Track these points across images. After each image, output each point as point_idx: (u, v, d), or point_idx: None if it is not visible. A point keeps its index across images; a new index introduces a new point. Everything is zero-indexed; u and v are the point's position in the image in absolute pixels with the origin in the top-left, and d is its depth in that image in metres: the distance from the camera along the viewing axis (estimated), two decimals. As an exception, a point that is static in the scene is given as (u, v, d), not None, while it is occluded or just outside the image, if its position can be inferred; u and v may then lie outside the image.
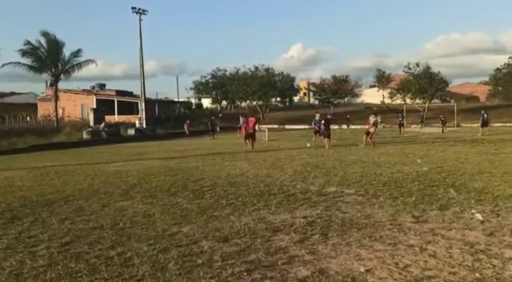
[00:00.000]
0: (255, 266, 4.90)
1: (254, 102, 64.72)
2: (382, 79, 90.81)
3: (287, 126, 52.25)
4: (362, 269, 4.73)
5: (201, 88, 78.20)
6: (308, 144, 22.39)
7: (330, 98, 66.10)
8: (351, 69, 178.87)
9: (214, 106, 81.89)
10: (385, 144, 21.83)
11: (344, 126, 42.15)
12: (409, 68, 55.72)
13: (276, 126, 51.25)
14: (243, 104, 75.93)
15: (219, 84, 74.63)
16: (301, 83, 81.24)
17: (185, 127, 39.73)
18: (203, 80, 77.81)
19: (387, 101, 68.09)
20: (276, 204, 8.07)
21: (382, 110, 53.02)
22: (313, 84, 75.06)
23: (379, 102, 76.95)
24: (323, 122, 21.57)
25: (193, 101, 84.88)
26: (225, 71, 74.73)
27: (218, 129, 38.02)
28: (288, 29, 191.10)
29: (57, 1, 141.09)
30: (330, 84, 67.18)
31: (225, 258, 5.17)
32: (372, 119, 21.42)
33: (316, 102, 78.74)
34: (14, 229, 6.80)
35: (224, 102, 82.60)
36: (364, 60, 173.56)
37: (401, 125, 35.80)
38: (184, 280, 4.56)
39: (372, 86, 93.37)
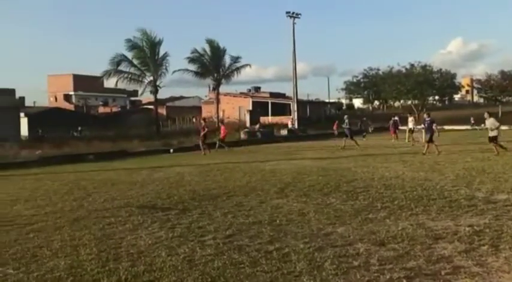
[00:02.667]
0: (415, 273, 4.68)
1: (409, 102, 61.65)
2: None
3: (446, 127, 48.49)
4: (543, 289, 4.19)
5: (352, 88, 77.17)
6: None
7: (498, 96, 59.54)
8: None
9: (365, 106, 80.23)
10: None
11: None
12: None
13: (433, 126, 47.99)
14: (397, 104, 72.88)
15: (371, 84, 72.76)
16: (463, 79, 74.98)
17: (334, 127, 39.56)
18: (354, 80, 76.73)
19: None
20: (437, 210, 7.59)
21: None
22: (478, 81, 68.40)
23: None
24: (430, 123, 18.69)
25: (344, 101, 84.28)
26: (378, 70, 72.65)
27: (370, 129, 37.11)
28: (446, 23, 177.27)
29: (214, 9, 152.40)
30: (498, 80, 60.46)
31: (383, 263, 5.05)
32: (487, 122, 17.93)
33: (481, 100, 71.71)
34: (185, 219, 7.59)
35: (376, 102, 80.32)
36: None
37: None
38: (341, 281, 4.58)
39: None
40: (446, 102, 77.35)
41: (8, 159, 19.54)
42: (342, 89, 79.03)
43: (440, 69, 60.20)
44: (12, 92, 34.57)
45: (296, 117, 45.34)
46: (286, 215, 7.63)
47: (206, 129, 22.97)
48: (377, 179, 11.48)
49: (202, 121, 24.66)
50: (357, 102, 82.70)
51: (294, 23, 43.29)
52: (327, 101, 76.00)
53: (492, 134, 17.30)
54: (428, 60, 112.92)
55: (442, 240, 5.84)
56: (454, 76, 62.14)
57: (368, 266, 4.95)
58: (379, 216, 7.31)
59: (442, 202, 8.24)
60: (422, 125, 20.05)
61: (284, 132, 39.42)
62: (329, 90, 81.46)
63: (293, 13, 43.15)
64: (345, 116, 25.90)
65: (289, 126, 43.36)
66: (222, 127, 26.72)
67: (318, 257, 5.29)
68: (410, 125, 26.64)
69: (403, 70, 60.08)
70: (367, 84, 74.89)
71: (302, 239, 6.12)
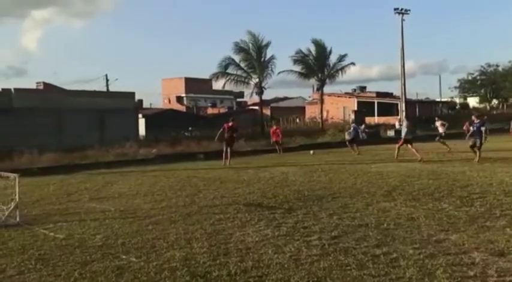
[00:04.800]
0: (541, 288, 4.29)
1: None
2: None
3: None
4: None
5: (467, 86, 72.00)
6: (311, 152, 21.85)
7: None
8: None
9: (482, 106, 74.25)
10: None
11: None
12: None
13: None
14: (519, 103, 66.63)
15: (489, 81, 67.29)
16: None
17: (464, 128, 34.61)
18: (469, 78, 71.48)
19: None
20: None
21: None
22: None
23: None
24: (478, 125, 16.73)
25: (457, 100, 78.89)
26: (497, 66, 66.91)
27: (487, 131, 34.15)
28: None
29: (319, 8, 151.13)
30: None
31: (501, 274, 4.71)
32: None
33: None
34: (290, 219, 7.72)
35: (495, 101, 74.02)
36: None
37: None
38: (455, 290, 4.36)
39: None
40: None
41: (129, 156, 21.36)
42: (455, 87, 74.26)
43: None
44: (132, 95, 37.58)
45: (404, 118, 43.44)
46: (394, 219, 7.41)
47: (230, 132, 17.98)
48: (495, 185, 10.64)
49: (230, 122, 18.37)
50: (472, 101, 76.95)
51: (402, 20, 41.56)
52: (438, 100, 71.69)
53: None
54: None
55: None
56: None
57: (485, 277, 4.64)
58: (498, 225, 6.80)
59: None
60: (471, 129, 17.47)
61: (391, 133, 37.92)
62: (440, 89, 76.37)
63: (401, 9, 41.38)
64: (352, 124, 25.86)
65: (397, 126, 41.63)
66: (275, 129, 25.17)
67: (429, 264, 5.08)
68: (441, 129, 23.91)
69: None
70: (484, 81, 69.39)
71: (411, 244, 5.92)
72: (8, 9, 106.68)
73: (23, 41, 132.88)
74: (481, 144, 16.51)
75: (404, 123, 19.63)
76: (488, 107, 70.65)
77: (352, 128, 24.26)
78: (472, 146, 16.57)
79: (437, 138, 23.71)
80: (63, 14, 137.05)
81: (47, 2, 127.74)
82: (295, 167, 16.32)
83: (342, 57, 44.41)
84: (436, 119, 27.00)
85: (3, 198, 8.40)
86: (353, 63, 45.99)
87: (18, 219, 8.08)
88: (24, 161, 18.61)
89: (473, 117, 17.90)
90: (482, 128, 16.70)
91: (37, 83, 46.08)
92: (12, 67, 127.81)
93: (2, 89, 31.00)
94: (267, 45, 41.15)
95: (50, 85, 44.00)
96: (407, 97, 47.12)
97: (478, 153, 16.23)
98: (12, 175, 8.56)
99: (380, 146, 27.86)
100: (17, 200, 8.21)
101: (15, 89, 30.44)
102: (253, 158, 21.47)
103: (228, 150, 18.02)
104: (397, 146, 18.44)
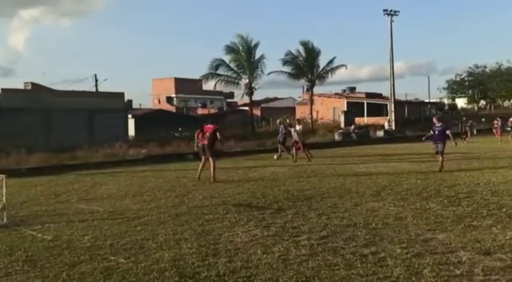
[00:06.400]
0: (526, 286, 4.36)
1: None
2: None
3: None
4: None
5: (455, 87, 72.76)
6: (275, 157, 19.86)
7: None
8: None
9: (470, 106, 75.15)
10: None
11: None
12: None
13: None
14: (506, 103, 67.43)
15: (477, 82, 68.07)
16: None
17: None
18: (458, 79, 72.23)
19: None
20: (552, 220, 6.95)
21: None
22: None
23: None
24: (440, 129, 14.16)
25: (446, 101, 79.70)
26: (485, 67, 67.75)
27: (475, 131, 34.57)
28: None
29: (310, 9, 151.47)
30: None
31: (487, 273, 4.77)
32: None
33: None
34: (280, 219, 7.74)
35: (482, 102, 74.92)
36: None
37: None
38: (441, 289, 4.40)
39: None
40: None
41: (118, 157, 21.23)
42: (444, 88, 75.05)
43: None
44: (121, 95, 37.41)
45: (393, 118, 43.77)
46: (382, 219, 7.46)
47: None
48: (482, 184, 10.78)
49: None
50: (461, 102, 77.81)
51: (391, 21, 41.90)
52: (427, 101, 72.39)
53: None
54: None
55: (559, 252, 5.35)
56: None
57: (471, 276, 4.70)
58: (485, 224, 6.88)
59: (558, 211, 7.53)
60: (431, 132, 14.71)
61: (380, 133, 38.20)
62: (429, 90, 77.81)
63: (391, 11, 41.75)
64: (281, 125, 22.32)
65: (386, 127, 41.95)
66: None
67: (416, 263, 5.13)
68: (295, 136, 20.92)
69: (515, 67, 55.47)
70: (472, 82, 70.24)
71: (399, 244, 5.96)
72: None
73: (10, 40, 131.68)
74: (443, 150, 13.98)
75: (297, 127, 19.99)
76: (476, 108, 71.53)
77: (280, 129, 21.20)
78: (436, 153, 14.21)
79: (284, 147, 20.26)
80: (52, 13, 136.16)
81: (36, 1, 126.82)
82: (285, 167, 16.34)
83: (331, 61, 44.70)
84: (297, 121, 24.14)
85: (-10, 200, 8.30)
86: (343, 65, 46.37)
87: (5, 220, 8.00)
88: (12, 162, 18.39)
89: (434, 120, 15.05)
90: (447, 131, 14.22)
91: (25, 83, 45.62)
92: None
93: (-11, 89, 30.71)
94: (256, 46, 41.27)
95: (38, 85, 43.61)
96: (397, 98, 47.49)
97: (441, 160, 13.87)
98: (-1, 176, 8.47)
99: (369, 146, 28.05)
100: (4, 201, 8.13)
101: (2, 89, 30.19)
102: (243, 159, 21.45)
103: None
104: (300, 151, 18.54)
